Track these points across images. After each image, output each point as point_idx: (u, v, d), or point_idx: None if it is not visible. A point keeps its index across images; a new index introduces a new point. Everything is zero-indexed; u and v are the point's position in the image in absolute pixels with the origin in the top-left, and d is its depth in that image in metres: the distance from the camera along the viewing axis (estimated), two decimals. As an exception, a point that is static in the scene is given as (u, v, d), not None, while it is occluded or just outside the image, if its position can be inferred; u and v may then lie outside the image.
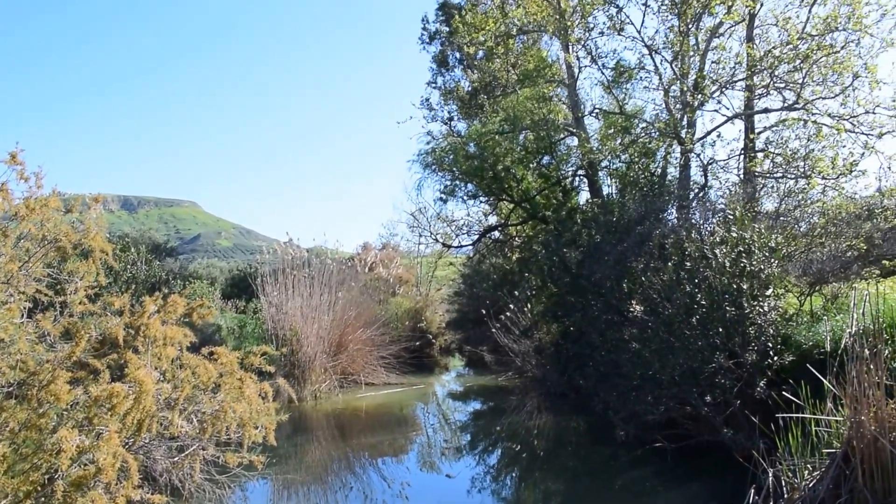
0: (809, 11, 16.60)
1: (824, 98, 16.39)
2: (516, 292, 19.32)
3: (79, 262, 8.51)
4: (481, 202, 21.47)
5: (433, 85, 28.50)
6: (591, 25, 17.76)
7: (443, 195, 20.25)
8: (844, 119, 16.33)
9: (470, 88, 26.02)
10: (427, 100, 27.90)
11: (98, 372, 7.43)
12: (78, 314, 8.36)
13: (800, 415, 8.30)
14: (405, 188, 49.77)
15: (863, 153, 16.32)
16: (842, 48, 16.01)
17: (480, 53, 23.34)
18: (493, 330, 19.74)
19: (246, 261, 40.98)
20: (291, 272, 18.43)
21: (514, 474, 12.39)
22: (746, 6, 16.81)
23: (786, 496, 8.08)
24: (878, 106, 16.08)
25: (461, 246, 23.66)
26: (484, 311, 20.56)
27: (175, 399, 7.60)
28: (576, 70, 18.99)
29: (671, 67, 16.89)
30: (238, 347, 17.00)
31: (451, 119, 26.90)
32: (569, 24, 17.85)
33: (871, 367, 7.42)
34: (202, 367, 8.03)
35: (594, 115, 19.28)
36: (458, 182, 19.74)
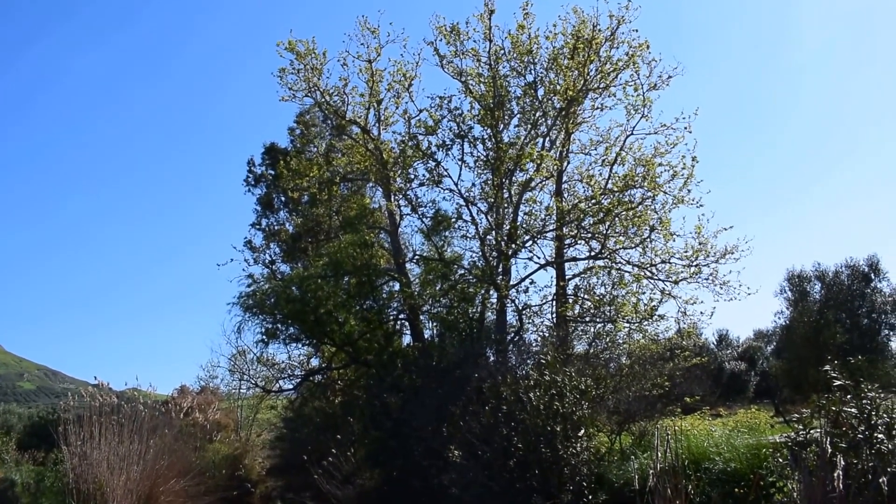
0: (610, 170, 18.24)
1: (626, 248, 17.78)
2: (339, 437, 18.88)
3: None
4: (304, 345, 21.17)
5: (257, 226, 28.30)
6: (412, 176, 18.55)
7: (264, 338, 19.80)
8: (644, 267, 17.71)
9: (294, 232, 26.07)
10: (250, 241, 27.63)
11: None
12: None
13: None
14: (224, 331, 47.76)
15: (661, 298, 17.68)
16: (639, 204, 17.57)
17: (305, 198, 23.63)
18: (316, 476, 19.06)
19: (50, 405, 37.69)
20: (99, 419, 17.12)
21: None
22: (554, 164, 18.18)
23: None
24: (672, 256, 17.62)
25: (282, 390, 22.99)
26: (306, 457, 19.87)
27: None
28: (397, 217, 19.60)
29: (486, 218, 17.83)
30: (33, 506, 15.44)
31: (273, 262, 26.67)
32: (391, 174, 18.58)
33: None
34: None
35: (415, 261, 19.83)
36: (279, 325, 19.43)
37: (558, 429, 11.33)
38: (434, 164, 18.04)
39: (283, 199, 27.49)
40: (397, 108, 19.07)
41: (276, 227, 27.60)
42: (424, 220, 18.87)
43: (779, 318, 36.96)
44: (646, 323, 17.56)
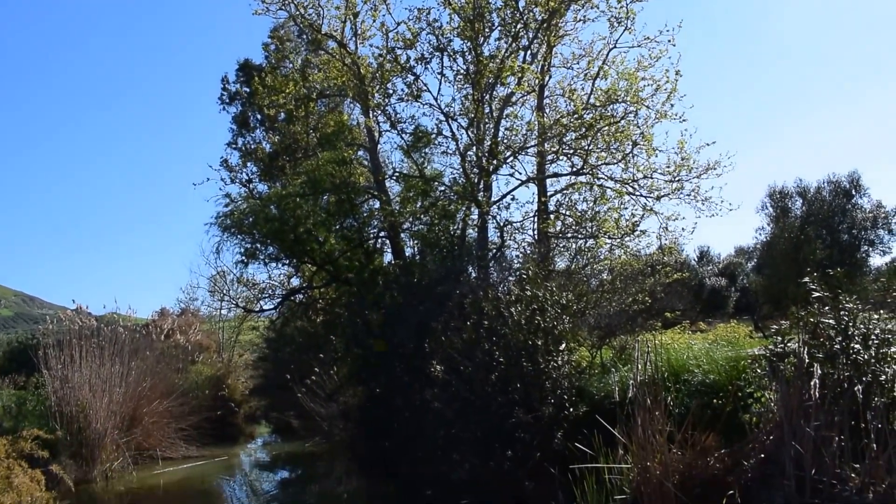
0: (593, 84, 17.88)
1: (608, 164, 17.56)
2: (321, 355, 18.97)
3: None
4: (284, 265, 21.05)
5: (233, 146, 27.80)
6: (391, 91, 18.08)
7: (244, 258, 19.60)
8: (626, 183, 17.56)
9: (271, 150, 25.62)
10: (226, 161, 27.17)
11: None
12: None
13: (593, 464, 8.64)
14: (202, 251, 47.62)
15: (643, 214, 17.61)
16: (622, 118, 17.29)
17: (282, 115, 23.13)
18: (299, 395, 19.26)
19: (29, 331, 37.58)
20: (79, 342, 17.10)
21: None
22: (535, 78, 17.81)
23: (584, 545, 8.35)
24: (655, 171, 17.47)
25: (263, 310, 22.96)
26: (289, 376, 20.03)
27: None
28: (376, 134, 19.22)
29: (467, 133, 17.50)
30: (15, 428, 15.49)
31: (250, 181, 26.29)
32: (369, 89, 18.12)
33: (655, 414, 7.88)
34: (-38, 457, 7.19)
35: (395, 178, 19.55)
36: (258, 245, 19.19)
37: (539, 343, 11.37)
38: (413, 78, 17.56)
39: (258, 117, 26.99)
40: (374, 21, 18.45)
41: (252, 146, 27.16)
42: (404, 136, 18.49)
43: (760, 234, 37.34)
44: (627, 239, 17.53)
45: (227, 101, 28.70)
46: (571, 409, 11.11)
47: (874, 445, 6.61)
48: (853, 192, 34.38)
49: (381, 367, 14.59)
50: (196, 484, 16.70)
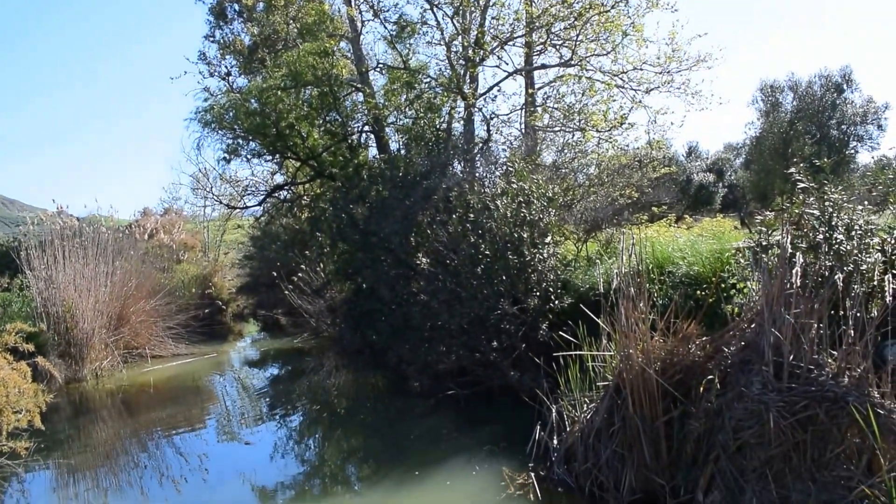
0: (583, -29, 17.29)
1: (597, 55, 17.17)
2: (307, 252, 18.96)
3: None
4: (267, 161, 20.76)
5: (211, 38, 26.84)
6: (373, -23, 17.46)
7: (226, 155, 19.29)
8: (615, 76, 17.24)
9: (250, 42, 24.85)
10: (204, 54, 26.32)
11: None
12: None
13: (577, 352, 8.77)
14: (183, 148, 47.11)
15: (632, 107, 17.39)
16: (612, 7, 16.79)
17: (260, 5, 22.34)
18: (286, 292, 19.37)
19: (10, 234, 37.37)
20: (61, 243, 16.98)
21: (315, 435, 12.27)
22: (522, -37, 17.20)
23: (567, 429, 8.56)
24: (644, 63, 17.13)
25: (247, 207, 22.76)
26: (275, 274, 20.08)
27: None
28: (359, 24, 18.66)
29: (452, 23, 16.99)
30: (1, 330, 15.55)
31: (229, 74, 25.54)
32: (349, -25, 17.49)
33: (638, 304, 7.94)
34: (-55, 352, 7.18)
35: (379, 70, 19.10)
36: (240, 140, 18.81)
37: (525, 236, 11.38)
38: (395, -37, 16.96)
39: (236, 7, 26.00)
40: None
41: (230, 39, 26.26)
42: (387, 25, 17.96)
43: (749, 129, 37.14)
44: (615, 132, 17.35)
45: (203, -11, 27.52)
46: (556, 301, 11.21)
47: (851, 332, 6.68)
48: (844, 87, 34.07)
49: (367, 262, 14.62)
50: (187, 381, 16.90)
